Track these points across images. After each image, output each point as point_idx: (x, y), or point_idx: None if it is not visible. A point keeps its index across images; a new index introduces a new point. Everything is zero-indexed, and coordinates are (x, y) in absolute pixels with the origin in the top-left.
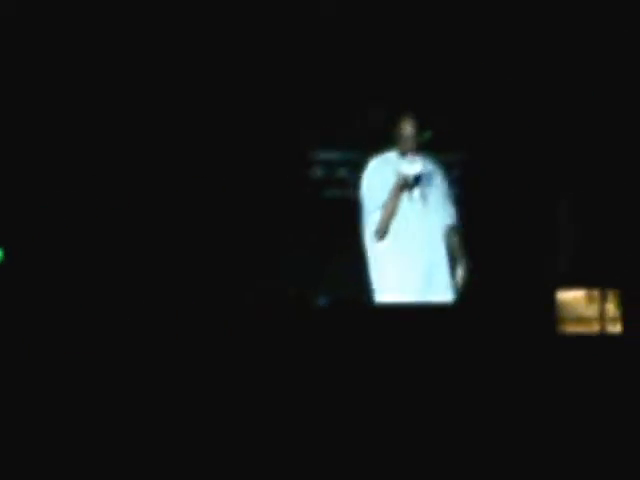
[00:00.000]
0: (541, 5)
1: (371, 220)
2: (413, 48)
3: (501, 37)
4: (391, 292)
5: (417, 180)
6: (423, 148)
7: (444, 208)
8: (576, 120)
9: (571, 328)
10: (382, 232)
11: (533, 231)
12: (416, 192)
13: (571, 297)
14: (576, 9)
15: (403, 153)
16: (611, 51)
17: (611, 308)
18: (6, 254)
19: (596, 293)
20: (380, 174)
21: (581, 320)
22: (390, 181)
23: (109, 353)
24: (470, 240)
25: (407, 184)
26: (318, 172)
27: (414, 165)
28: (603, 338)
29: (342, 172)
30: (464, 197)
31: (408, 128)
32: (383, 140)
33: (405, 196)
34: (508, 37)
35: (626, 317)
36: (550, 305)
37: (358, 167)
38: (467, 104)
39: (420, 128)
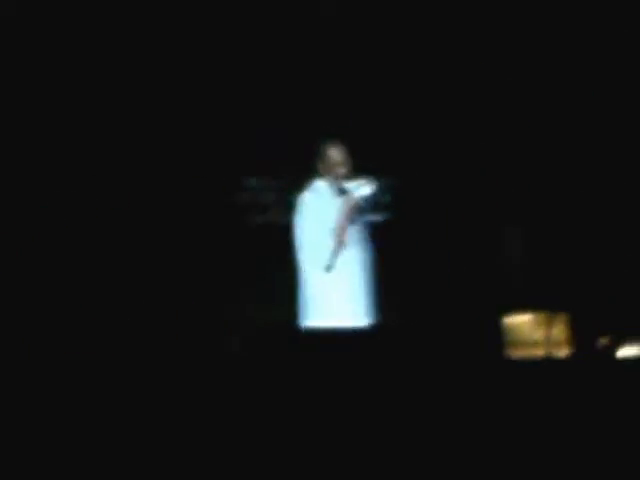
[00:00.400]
0: (474, 34)
1: (311, 255)
2: (340, 74)
3: (432, 56)
4: (325, 317)
5: (368, 203)
6: (353, 174)
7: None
8: (519, 142)
9: (518, 352)
10: (331, 263)
11: (478, 255)
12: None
13: (518, 321)
14: (516, 39)
15: (334, 180)
16: (550, 79)
17: (557, 332)
18: None
19: (543, 317)
20: (315, 206)
21: (527, 344)
22: (327, 212)
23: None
24: (412, 264)
25: (360, 209)
26: (244, 198)
27: (364, 187)
28: (549, 362)
29: (268, 198)
30: (402, 220)
31: (337, 154)
32: (309, 167)
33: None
34: (439, 57)
35: (573, 340)
36: (496, 329)
37: (284, 193)
38: (400, 126)
39: (349, 153)
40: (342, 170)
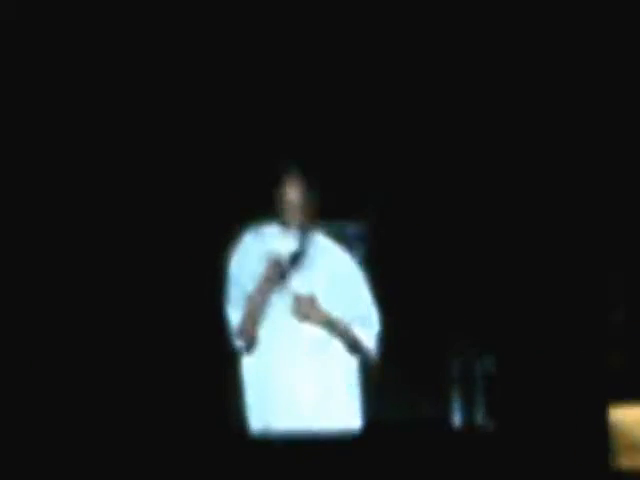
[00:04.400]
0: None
1: (233, 317)
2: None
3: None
4: (273, 417)
5: (294, 262)
6: (316, 219)
7: (347, 303)
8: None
9: (630, 461)
10: (246, 338)
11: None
12: (295, 282)
13: (629, 417)
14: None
15: (286, 226)
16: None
17: None
18: None
19: None
20: (252, 254)
21: None
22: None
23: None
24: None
25: (279, 269)
26: None
27: (287, 239)
28: None
29: None
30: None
31: (292, 192)
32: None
33: (279, 290)
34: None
35: None
36: (600, 428)
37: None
38: (373, 158)
39: (309, 192)
40: (294, 214)
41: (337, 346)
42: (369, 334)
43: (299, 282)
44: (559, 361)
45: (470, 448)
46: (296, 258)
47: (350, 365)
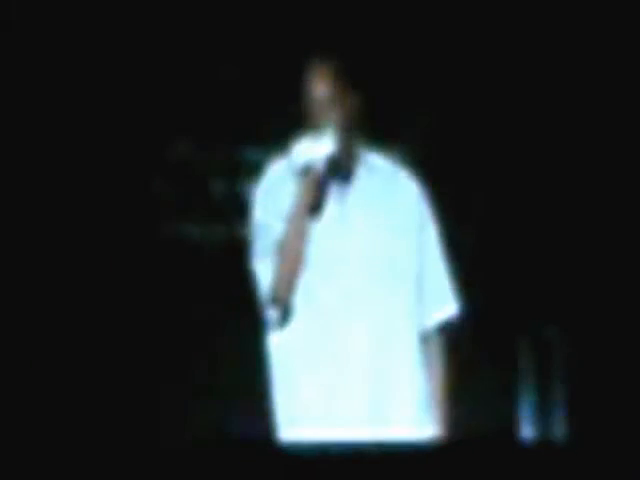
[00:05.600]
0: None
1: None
2: None
3: None
4: (311, 423)
5: (334, 170)
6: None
7: (411, 252)
8: None
9: None
10: (280, 301)
11: None
12: (341, 208)
13: None
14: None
15: (318, 131)
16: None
17: None
18: None
19: None
20: (278, 182)
21: None
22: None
23: None
24: None
25: (315, 183)
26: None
27: (320, 143)
28: None
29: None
30: None
31: (321, 84)
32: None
33: (319, 222)
34: None
35: None
36: None
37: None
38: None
39: (344, 83)
40: (330, 115)
41: (406, 324)
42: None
43: (350, 207)
44: None
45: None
46: (336, 165)
47: (419, 356)
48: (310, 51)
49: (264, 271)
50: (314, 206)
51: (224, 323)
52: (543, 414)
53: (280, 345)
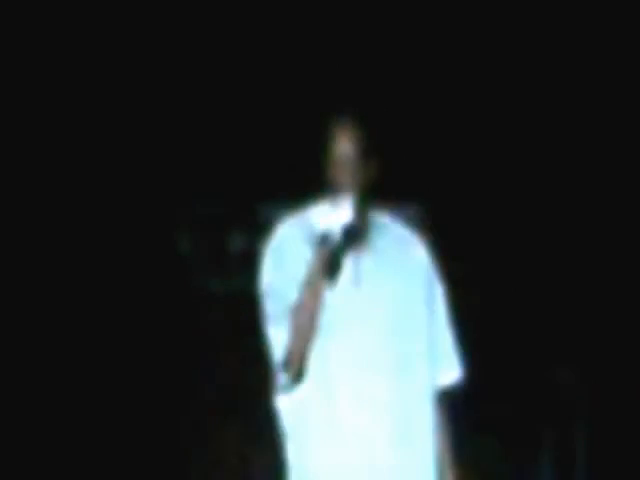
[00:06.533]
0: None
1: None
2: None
3: None
4: None
5: (350, 237)
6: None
7: (423, 316)
8: None
9: None
10: (293, 367)
11: None
12: (356, 271)
13: None
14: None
15: (337, 192)
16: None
17: None
18: None
19: None
20: (291, 244)
21: None
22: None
23: None
24: None
25: (329, 251)
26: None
27: (339, 209)
28: None
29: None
30: None
31: (346, 143)
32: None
33: (337, 288)
34: None
35: None
36: None
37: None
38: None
39: (367, 144)
40: (346, 173)
41: (424, 387)
42: (448, 377)
43: (364, 271)
44: None
45: None
46: (354, 234)
47: (435, 419)
48: (333, 111)
49: (277, 336)
50: (331, 274)
51: None
52: None
53: (291, 410)
